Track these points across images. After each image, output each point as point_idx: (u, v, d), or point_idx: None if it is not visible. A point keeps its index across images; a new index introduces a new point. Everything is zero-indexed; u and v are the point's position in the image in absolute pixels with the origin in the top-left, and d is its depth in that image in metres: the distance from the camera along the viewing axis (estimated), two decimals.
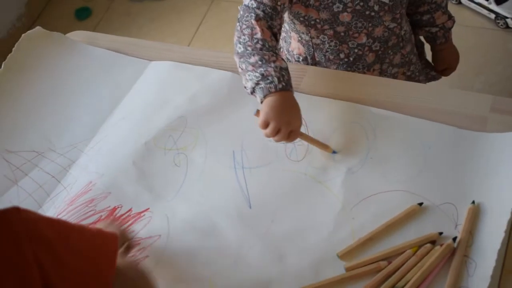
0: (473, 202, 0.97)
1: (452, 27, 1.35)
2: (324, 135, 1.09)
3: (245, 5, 1.12)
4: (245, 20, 1.09)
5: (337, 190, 1.03)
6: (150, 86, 1.26)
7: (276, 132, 1.02)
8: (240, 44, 1.08)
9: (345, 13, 1.17)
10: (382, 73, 1.30)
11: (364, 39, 1.22)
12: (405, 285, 0.91)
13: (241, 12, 1.12)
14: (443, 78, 1.48)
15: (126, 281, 0.81)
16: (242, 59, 1.08)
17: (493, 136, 1.02)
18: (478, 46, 2.06)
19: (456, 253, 0.92)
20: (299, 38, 1.27)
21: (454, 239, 0.94)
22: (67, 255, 0.72)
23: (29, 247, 0.68)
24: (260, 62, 1.05)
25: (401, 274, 0.92)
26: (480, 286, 0.88)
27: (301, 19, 1.21)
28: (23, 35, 1.38)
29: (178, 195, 1.09)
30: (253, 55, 1.05)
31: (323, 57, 1.27)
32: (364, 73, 1.28)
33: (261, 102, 1.04)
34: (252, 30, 1.08)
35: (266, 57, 1.04)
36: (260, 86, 1.03)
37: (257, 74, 1.04)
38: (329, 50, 1.25)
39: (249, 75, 1.05)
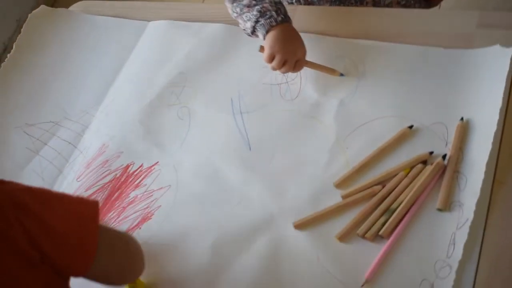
0: (462, 118, 0.98)
1: None
2: (315, 71, 1.12)
3: None
4: None
5: (330, 123, 1.06)
6: (150, 46, 1.31)
7: (282, 64, 1.06)
8: None
9: None
10: (375, 5, 1.30)
11: None
12: (398, 206, 0.94)
13: None
14: None
15: (112, 238, 0.86)
16: (235, 4, 1.11)
17: (477, 51, 1.02)
18: None
19: (446, 170, 0.95)
20: None
21: (444, 156, 0.96)
22: (51, 220, 0.77)
23: (13, 213, 0.74)
24: (254, 1, 1.08)
25: (394, 196, 0.96)
26: (471, 199, 0.90)
27: None
28: (29, 15, 1.45)
29: (183, 146, 1.14)
30: None
31: None
32: (357, 6, 1.28)
33: (264, 38, 1.07)
34: None
35: None
36: (260, 23, 1.07)
37: (254, 13, 1.07)
38: None
39: (246, 16, 1.09)
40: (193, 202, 1.07)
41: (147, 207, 1.10)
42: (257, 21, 1.07)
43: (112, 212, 1.12)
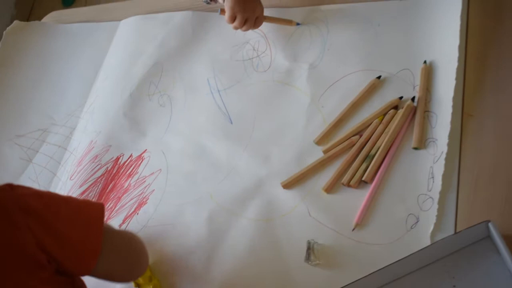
0: (425, 62, 1.03)
1: None
2: (283, 40, 1.17)
3: None
4: None
5: (304, 86, 1.11)
6: (124, 43, 1.36)
7: (243, 22, 1.12)
8: None
9: None
10: None
11: None
12: (377, 151, 0.99)
13: None
14: None
15: (116, 239, 0.90)
16: None
17: None
18: None
19: (417, 110, 1.00)
20: None
21: (413, 99, 1.01)
22: (57, 223, 0.80)
23: (22, 218, 0.77)
24: None
25: (372, 143, 1.00)
26: (443, 133, 0.95)
27: None
28: (4, 32, 1.49)
29: (168, 131, 1.19)
30: None
31: None
32: None
33: (223, 1, 1.13)
34: None
35: None
36: None
37: None
38: None
39: None
40: (184, 181, 1.12)
41: (141, 193, 1.14)
42: None
43: (109, 203, 1.16)
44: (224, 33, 1.24)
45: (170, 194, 1.11)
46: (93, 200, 1.17)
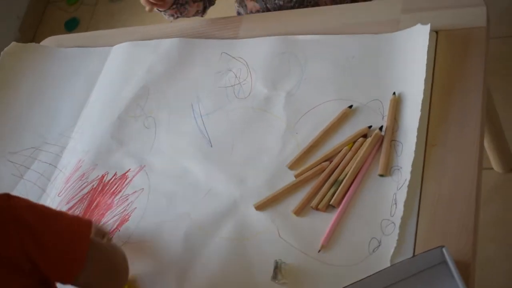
0: (394, 93, 1.09)
1: None
2: (263, 69, 1.23)
3: None
4: None
5: (280, 113, 1.17)
6: (115, 67, 1.42)
7: None
8: None
9: None
10: (334, 2, 1.39)
11: None
12: (345, 177, 1.04)
13: None
14: None
15: (100, 253, 0.94)
16: None
17: (402, 32, 1.13)
18: None
19: (384, 139, 1.05)
20: None
21: (381, 128, 1.06)
22: (46, 236, 0.86)
23: (14, 228, 0.83)
24: None
25: (341, 169, 1.06)
26: (407, 161, 1.00)
27: None
28: (1, 53, 1.56)
29: (152, 152, 1.24)
30: None
31: (275, 5, 1.40)
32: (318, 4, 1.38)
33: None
34: None
35: None
36: None
37: None
38: None
39: None
40: (164, 200, 1.17)
41: (124, 211, 1.19)
42: None
43: (93, 219, 1.21)
44: (209, 60, 1.30)
45: (151, 212, 1.17)
46: (79, 215, 1.22)
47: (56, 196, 1.28)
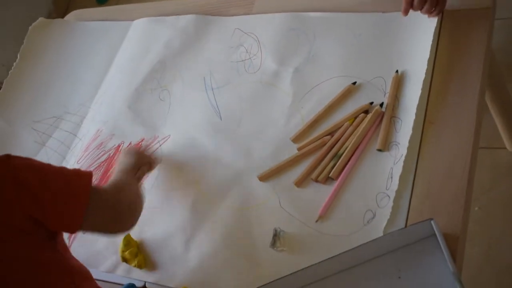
0: (397, 71, 1.11)
1: None
2: (273, 44, 1.27)
3: None
4: None
5: (287, 88, 1.21)
6: (134, 41, 1.48)
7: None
8: None
9: None
10: None
11: None
12: (345, 151, 1.08)
13: None
14: None
15: (102, 202, 0.96)
16: None
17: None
18: None
19: (384, 115, 1.08)
20: None
21: (382, 104, 1.09)
22: (46, 195, 0.88)
23: (14, 191, 0.85)
24: None
25: (341, 143, 1.09)
26: (405, 137, 1.03)
27: None
28: (30, 27, 1.63)
29: (166, 123, 1.30)
30: None
31: None
32: None
33: None
34: None
35: None
36: None
37: None
38: None
39: None
40: (175, 169, 1.23)
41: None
42: None
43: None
44: (223, 36, 1.35)
45: (161, 180, 1.22)
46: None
47: (75, 163, 1.35)
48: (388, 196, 1.00)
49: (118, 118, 1.36)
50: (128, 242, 1.15)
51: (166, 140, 1.27)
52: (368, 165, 1.05)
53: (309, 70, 1.21)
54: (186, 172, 1.21)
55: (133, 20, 1.53)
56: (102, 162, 1.32)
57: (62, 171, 0.95)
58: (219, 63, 1.32)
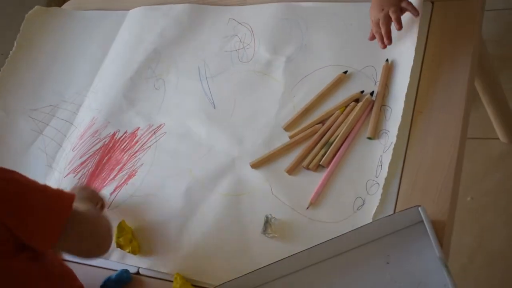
0: (387, 60, 1.13)
1: None
2: (266, 34, 1.28)
3: None
4: None
5: (280, 77, 1.22)
6: (129, 30, 1.49)
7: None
8: None
9: None
10: None
11: None
12: (335, 139, 1.09)
13: None
14: None
15: (80, 225, 0.97)
16: None
17: None
18: None
19: (374, 104, 1.10)
20: None
21: (372, 93, 1.11)
22: (24, 210, 0.89)
23: None
24: None
25: (332, 131, 1.11)
26: (395, 126, 1.05)
27: None
28: (26, 15, 1.65)
29: (160, 112, 1.31)
30: None
31: None
32: None
33: None
34: None
35: None
36: None
37: None
38: None
39: None
40: (169, 157, 1.24)
41: (132, 166, 1.27)
42: None
43: (103, 173, 1.29)
44: (217, 25, 1.36)
45: (156, 168, 1.24)
46: (90, 170, 1.30)
47: (70, 151, 1.37)
48: (378, 183, 1.02)
49: (113, 106, 1.37)
50: (122, 228, 1.17)
51: (161, 128, 1.29)
52: (358, 153, 1.07)
53: (301, 60, 1.22)
54: (180, 159, 1.22)
55: (129, 9, 1.54)
56: (97, 150, 1.33)
57: (46, 189, 0.95)
58: (213, 53, 1.33)
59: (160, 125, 1.29)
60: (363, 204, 1.02)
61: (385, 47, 1.11)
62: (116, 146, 1.32)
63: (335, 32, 1.21)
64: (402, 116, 1.04)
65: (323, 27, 1.23)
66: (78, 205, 1.00)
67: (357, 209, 1.02)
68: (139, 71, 1.40)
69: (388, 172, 1.01)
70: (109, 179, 1.28)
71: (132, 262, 1.14)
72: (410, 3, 1.09)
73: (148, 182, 1.23)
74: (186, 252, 1.11)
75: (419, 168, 1.01)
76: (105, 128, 1.35)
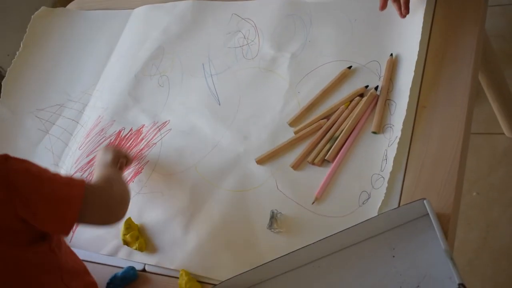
0: (391, 54, 1.13)
1: None
2: (270, 30, 1.29)
3: None
4: None
5: (284, 74, 1.22)
6: (134, 29, 1.50)
7: None
8: None
9: None
10: None
11: None
12: (340, 133, 1.09)
13: None
14: None
15: (93, 206, 0.97)
16: None
17: None
18: None
19: (379, 98, 1.10)
20: None
21: (376, 88, 1.11)
22: (38, 200, 0.90)
23: (6, 193, 0.86)
24: None
25: (337, 126, 1.11)
26: (399, 120, 1.05)
27: None
28: (32, 16, 1.66)
29: (165, 109, 1.32)
30: None
31: None
32: None
33: None
34: None
35: None
36: None
37: None
38: None
39: None
40: (174, 154, 1.25)
41: (137, 163, 1.28)
42: None
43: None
44: (220, 21, 1.37)
45: (162, 165, 1.25)
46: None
47: (77, 149, 1.37)
48: (383, 177, 1.02)
49: (119, 104, 1.38)
50: (129, 225, 1.18)
51: (166, 125, 1.29)
52: (363, 147, 1.07)
53: (305, 55, 1.23)
54: (185, 156, 1.23)
55: (134, 8, 1.55)
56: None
57: (55, 177, 0.95)
58: (217, 49, 1.34)
59: (165, 122, 1.30)
60: (369, 198, 1.02)
61: (404, 16, 1.11)
62: (122, 144, 1.33)
63: (339, 27, 1.22)
64: (406, 110, 1.05)
65: (327, 22, 1.24)
66: (97, 172, 1.06)
67: (363, 203, 1.02)
68: (143, 69, 1.41)
69: (393, 166, 1.01)
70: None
71: (139, 259, 1.15)
72: None
73: (154, 179, 1.23)
74: (192, 248, 1.11)
75: (424, 162, 1.01)
76: (111, 126, 1.36)
